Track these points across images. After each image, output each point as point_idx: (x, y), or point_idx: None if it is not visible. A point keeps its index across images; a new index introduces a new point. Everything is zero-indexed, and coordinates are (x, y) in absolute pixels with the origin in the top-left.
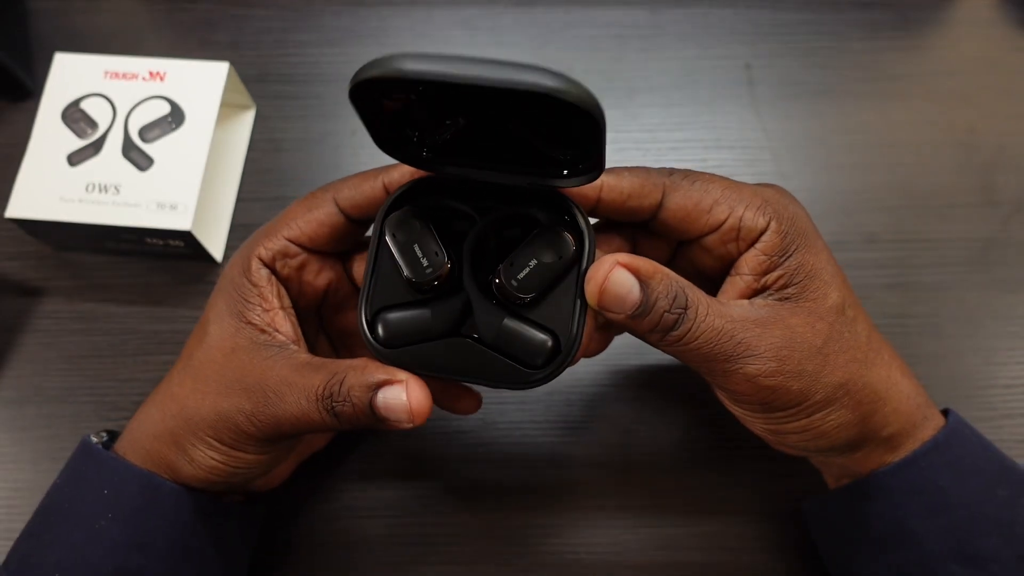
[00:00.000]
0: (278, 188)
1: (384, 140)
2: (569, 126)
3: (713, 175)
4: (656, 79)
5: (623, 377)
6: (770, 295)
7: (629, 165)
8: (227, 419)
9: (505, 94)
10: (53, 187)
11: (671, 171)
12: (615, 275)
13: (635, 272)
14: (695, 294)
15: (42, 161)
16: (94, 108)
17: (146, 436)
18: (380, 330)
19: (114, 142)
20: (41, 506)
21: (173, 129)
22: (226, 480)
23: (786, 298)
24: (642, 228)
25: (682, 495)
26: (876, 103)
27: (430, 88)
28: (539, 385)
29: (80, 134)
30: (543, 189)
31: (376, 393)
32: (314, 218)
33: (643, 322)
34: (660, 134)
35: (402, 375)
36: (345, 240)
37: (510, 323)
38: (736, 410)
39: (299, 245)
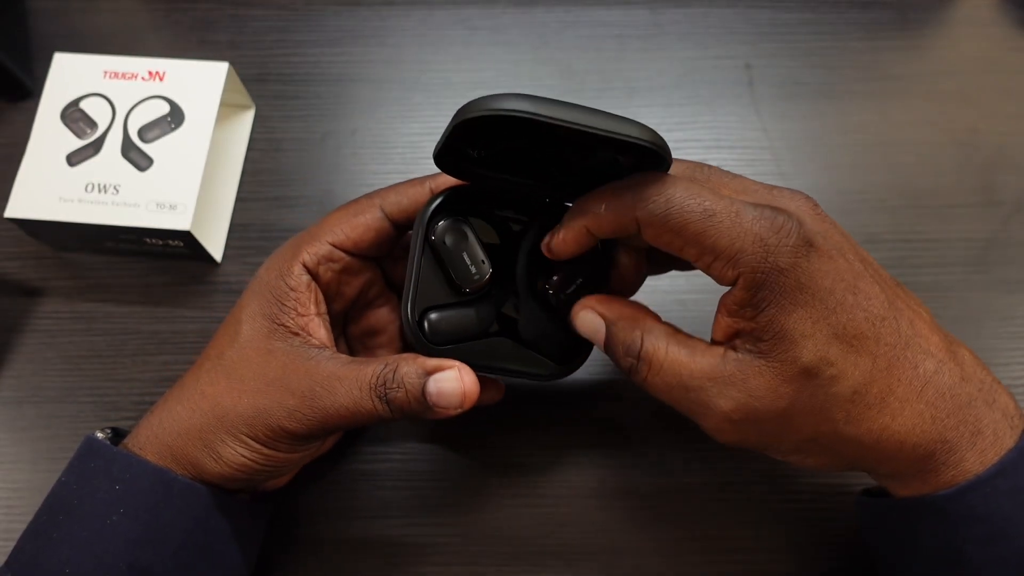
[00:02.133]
0: (278, 188)
1: (445, 160)
2: (630, 163)
3: (707, 194)
4: (656, 79)
5: (622, 379)
6: (743, 345)
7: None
8: (267, 416)
9: (600, 139)
10: (52, 187)
11: (645, 197)
12: (582, 314)
13: (601, 315)
14: (655, 343)
15: (41, 161)
16: (93, 108)
17: (169, 433)
18: (426, 328)
19: (113, 142)
20: (45, 504)
21: (172, 129)
22: (249, 478)
23: (757, 352)
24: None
25: (682, 495)
26: (876, 103)
27: (530, 125)
28: (563, 376)
29: (79, 134)
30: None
31: (428, 380)
32: (360, 223)
33: (612, 359)
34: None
35: (453, 363)
36: (388, 245)
37: (550, 326)
38: None
39: (343, 250)
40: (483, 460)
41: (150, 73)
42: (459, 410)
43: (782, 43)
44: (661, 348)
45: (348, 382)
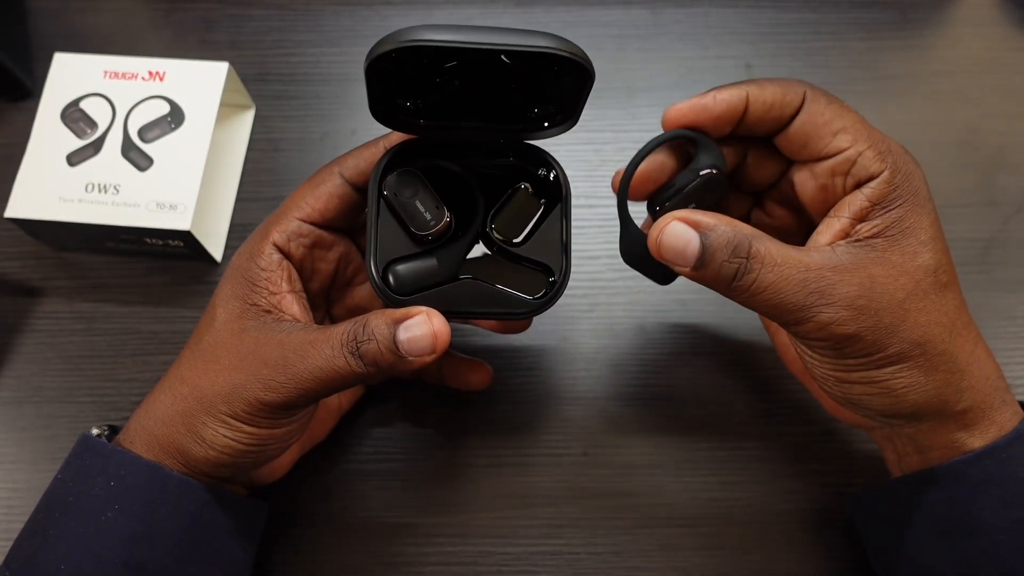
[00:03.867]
0: (278, 188)
1: (381, 111)
2: (558, 82)
3: (847, 105)
4: (656, 79)
5: (623, 377)
6: (857, 242)
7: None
8: (243, 390)
9: (508, 55)
10: (53, 187)
11: (812, 86)
12: (671, 227)
13: (694, 225)
14: (762, 244)
15: (41, 161)
16: (93, 108)
17: (155, 421)
18: (392, 280)
19: (113, 142)
20: (43, 502)
21: (173, 129)
22: (237, 461)
23: (870, 247)
24: (759, 142)
25: (682, 495)
26: (876, 103)
27: (440, 54)
28: (541, 311)
29: (79, 134)
30: (520, 145)
31: (398, 329)
32: (323, 193)
33: (705, 273)
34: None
35: (420, 308)
36: (355, 212)
37: (509, 263)
38: (805, 354)
39: (310, 223)
40: (483, 461)
41: (150, 73)
42: (433, 355)
43: (782, 43)
44: (772, 247)
45: (319, 344)
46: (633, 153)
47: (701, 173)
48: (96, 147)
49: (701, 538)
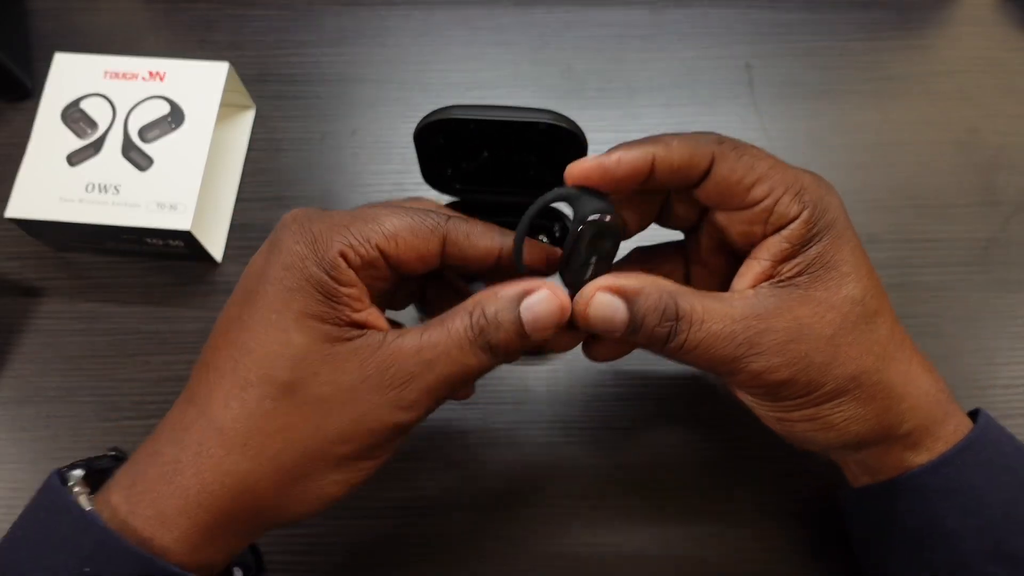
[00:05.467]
0: (278, 188)
1: (429, 175)
2: (563, 152)
3: (760, 150)
4: (656, 79)
5: (622, 377)
6: (780, 283)
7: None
8: (368, 420)
9: (520, 127)
10: (53, 187)
11: (720, 139)
12: (597, 298)
13: (619, 292)
14: (687, 301)
15: (42, 161)
16: (94, 108)
17: (222, 495)
18: None
19: (114, 142)
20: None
21: (173, 129)
22: (326, 507)
23: (793, 286)
24: (679, 192)
25: (681, 495)
26: (876, 103)
27: (472, 126)
28: None
29: (80, 134)
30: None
31: (520, 309)
32: (416, 247)
33: (638, 338)
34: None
35: (538, 281)
36: (426, 267)
37: None
38: (745, 398)
39: (388, 261)
40: (483, 460)
41: (150, 73)
42: (558, 327)
43: (782, 43)
44: (697, 303)
45: (442, 348)
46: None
47: (589, 219)
48: (96, 147)
49: (700, 538)
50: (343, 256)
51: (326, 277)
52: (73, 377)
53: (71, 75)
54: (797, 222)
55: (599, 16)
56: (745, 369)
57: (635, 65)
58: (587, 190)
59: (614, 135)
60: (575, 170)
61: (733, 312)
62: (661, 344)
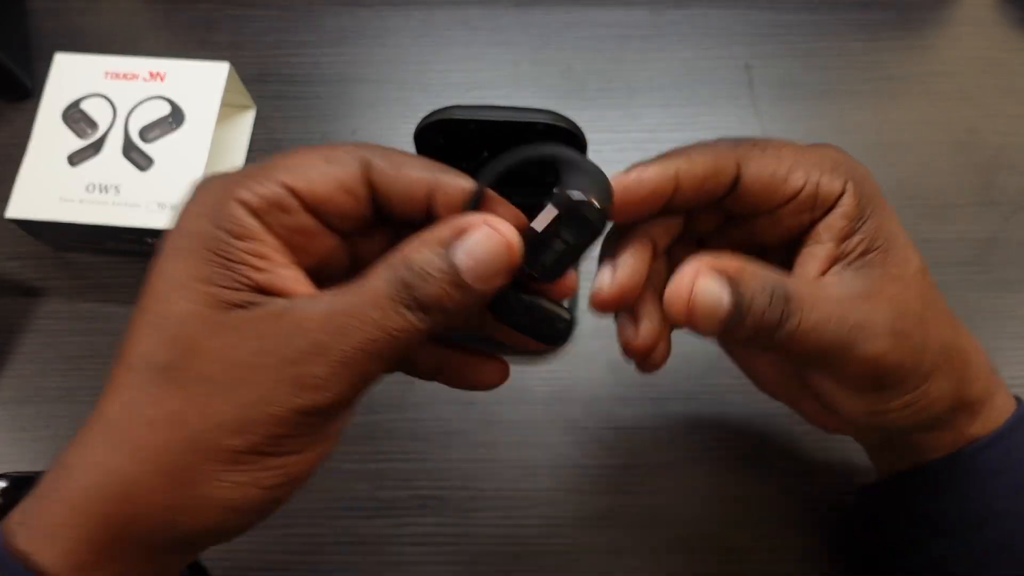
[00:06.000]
0: None
1: None
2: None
3: (778, 140)
4: (656, 79)
5: (622, 376)
6: (851, 263)
7: (699, 143)
8: (264, 405)
9: (520, 127)
10: (53, 187)
11: (737, 141)
12: (701, 285)
13: (722, 272)
14: (792, 281)
15: (42, 161)
16: (94, 108)
17: (107, 497)
18: None
19: (114, 142)
20: None
21: (173, 129)
22: (245, 520)
23: (870, 265)
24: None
25: (681, 495)
26: (875, 103)
27: (472, 127)
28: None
29: (80, 134)
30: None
31: (453, 252)
32: (333, 175)
33: (743, 327)
34: (660, 134)
35: (474, 216)
36: (358, 220)
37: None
38: (832, 395)
39: (301, 200)
40: (483, 459)
41: (151, 73)
42: (509, 271)
43: (781, 44)
44: (799, 283)
45: (359, 309)
46: (632, 153)
47: (578, 198)
48: (97, 147)
49: (700, 539)
50: (243, 203)
51: (219, 231)
52: (73, 377)
53: (71, 75)
54: (846, 196)
55: (599, 16)
56: (860, 355)
57: (635, 65)
58: (587, 160)
59: (614, 135)
60: None
61: (832, 294)
62: (772, 331)
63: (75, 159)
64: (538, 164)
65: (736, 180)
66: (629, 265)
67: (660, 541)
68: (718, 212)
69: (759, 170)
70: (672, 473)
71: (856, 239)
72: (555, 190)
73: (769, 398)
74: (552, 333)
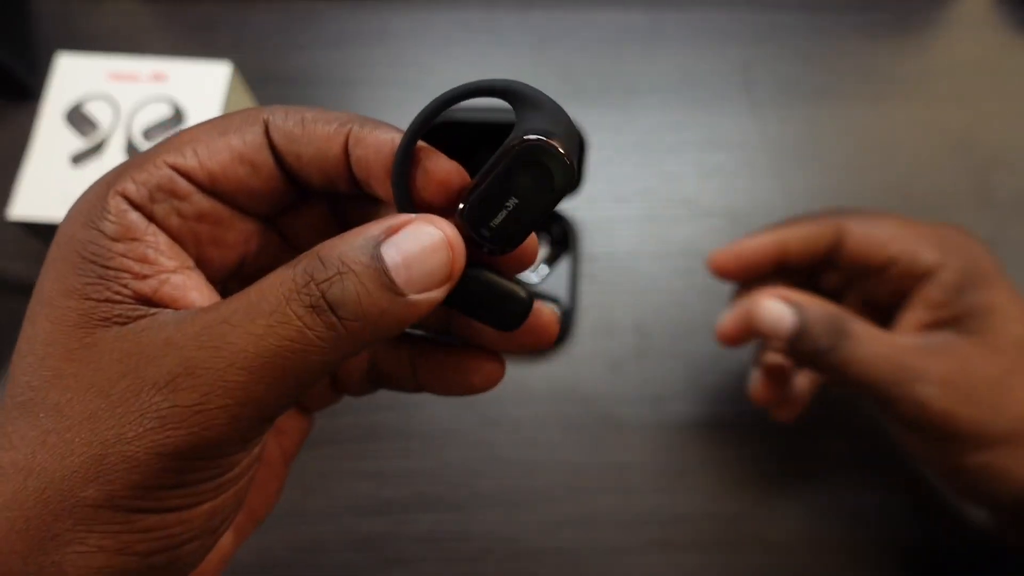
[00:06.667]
0: None
1: None
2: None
3: (883, 212)
4: (654, 81)
5: (622, 376)
6: (942, 326)
7: (799, 218)
8: (122, 445)
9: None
10: (56, 188)
11: (839, 211)
12: (768, 304)
13: (788, 300)
14: (857, 323)
15: (45, 162)
16: (97, 109)
17: None
18: None
19: (117, 143)
20: None
21: (176, 130)
22: None
23: (959, 330)
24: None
25: (681, 494)
26: (873, 104)
27: (470, 127)
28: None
29: (83, 135)
30: None
31: (382, 248)
32: (227, 145)
33: (802, 344)
34: (658, 135)
35: (415, 214)
36: (269, 193)
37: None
38: (916, 448)
39: (192, 180)
40: (484, 458)
41: (153, 74)
42: (448, 284)
43: (779, 45)
44: (864, 326)
45: (243, 315)
46: (632, 154)
47: (529, 138)
48: (100, 148)
49: (699, 534)
50: (123, 195)
51: (93, 232)
52: None
53: (74, 76)
54: (946, 270)
55: (598, 18)
56: (906, 396)
57: (633, 67)
58: (548, 98)
59: (613, 136)
60: (715, 260)
61: (898, 341)
62: (823, 354)
63: (78, 160)
64: (495, 130)
65: (838, 243)
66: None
67: (660, 541)
68: (838, 272)
69: (861, 238)
70: (672, 473)
71: (950, 308)
72: (513, 134)
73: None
74: (505, 315)
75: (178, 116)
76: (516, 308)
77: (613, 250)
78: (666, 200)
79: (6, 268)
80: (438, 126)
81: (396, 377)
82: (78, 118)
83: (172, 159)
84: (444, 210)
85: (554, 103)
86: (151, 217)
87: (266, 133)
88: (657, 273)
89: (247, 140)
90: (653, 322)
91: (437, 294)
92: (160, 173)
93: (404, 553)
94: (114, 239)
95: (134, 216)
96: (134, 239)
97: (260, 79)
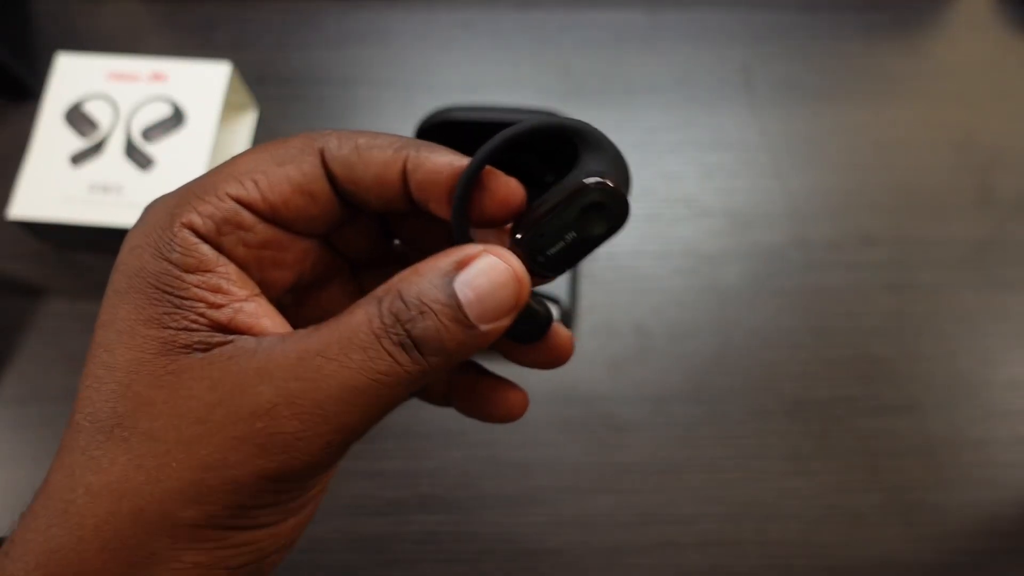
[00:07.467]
0: None
1: None
2: (564, 152)
3: None
4: (654, 81)
5: (622, 376)
6: None
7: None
8: (223, 469)
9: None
10: (56, 187)
11: None
12: None
13: None
14: None
15: (45, 161)
16: (96, 109)
17: None
18: None
19: (116, 143)
20: None
21: (175, 130)
22: None
23: None
24: None
25: (681, 494)
26: (873, 104)
27: (472, 127)
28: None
29: (83, 135)
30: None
31: (455, 285)
32: (286, 178)
33: None
34: (658, 135)
35: (480, 245)
36: (327, 221)
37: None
38: None
39: (256, 212)
40: (484, 458)
41: (153, 74)
42: (515, 309)
43: (779, 45)
44: None
45: (337, 349)
46: (631, 154)
47: (587, 182)
48: (99, 148)
49: (699, 534)
50: (190, 228)
51: (165, 264)
52: (75, 377)
53: (74, 76)
54: None
55: (597, 18)
56: None
57: (633, 66)
58: (606, 138)
59: (613, 136)
60: None
61: None
62: None
63: (77, 159)
64: (541, 153)
65: None
66: None
67: (659, 540)
68: None
69: None
70: (672, 473)
71: None
72: (577, 172)
73: (765, 397)
74: (526, 328)
75: (178, 116)
76: (537, 322)
77: (613, 250)
78: (666, 200)
79: (6, 268)
80: (438, 126)
81: (431, 391)
82: (78, 118)
83: (235, 191)
84: (501, 223)
85: (614, 146)
86: (220, 248)
87: (322, 162)
88: (657, 273)
89: (305, 171)
90: (653, 322)
91: (505, 323)
92: (225, 206)
93: (404, 553)
94: (187, 271)
95: (205, 248)
96: (208, 271)
97: (260, 79)
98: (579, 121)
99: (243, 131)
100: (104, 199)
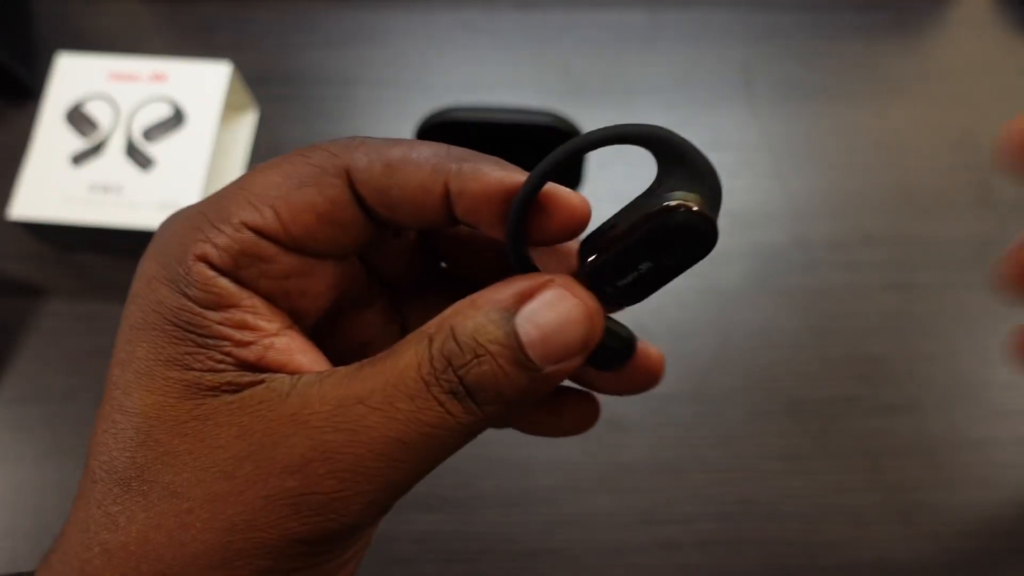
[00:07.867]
0: None
1: None
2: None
3: None
4: (655, 81)
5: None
6: None
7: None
8: (252, 531)
9: (521, 128)
10: (56, 187)
11: None
12: None
13: None
14: None
15: (45, 162)
16: (97, 109)
17: None
18: None
19: (117, 143)
20: None
21: (176, 130)
22: None
23: None
24: None
25: (682, 494)
26: (873, 104)
27: (473, 127)
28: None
29: (83, 135)
30: None
31: (516, 322)
32: (309, 204)
33: None
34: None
35: (544, 275)
36: (356, 241)
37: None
38: None
39: (274, 240)
40: (483, 458)
41: (153, 74)
42: (584, 353)
43: (779, 45)
44: None
45: (382, 396)
46: (631, 154)
47: (667, 204)
48: (100, 148)
49: (699, 534)
50: (204, 261)
51: (184, 300)
52: (75, 377)
53: (74, 76)
54: None
55: (598, 18)
56: None
57: (633, 66)
58: (697, 150)
59: None
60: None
61: None
62: None
63: (78, 159)
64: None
65: None
66: None
67: (660, 540)
68: None
69: None
70: (672, 473)
71: None
72: (652, 191)
73: (767, 398)
74: (608, 354)
75: (178, 116)
76: (619, 346)
77: None
78: None
79: (6, 268)
80: (439, 126)
81: None
82: (78, 118)
83: (251, 219)
84: (562, 242)
85: (698, 152)
86: (240, 282)
87: (349, 184)
88: None
89: (329, 195)
90: (653, 322)
91: (574, 363)
92: (242, 237)
93: (404, 553)
94: (208, 307)
95: (224, 282)
96: (231, 306)
97: (260, 79)
98: (657, 127)
99: (243, 131)
100: (104, 199)
